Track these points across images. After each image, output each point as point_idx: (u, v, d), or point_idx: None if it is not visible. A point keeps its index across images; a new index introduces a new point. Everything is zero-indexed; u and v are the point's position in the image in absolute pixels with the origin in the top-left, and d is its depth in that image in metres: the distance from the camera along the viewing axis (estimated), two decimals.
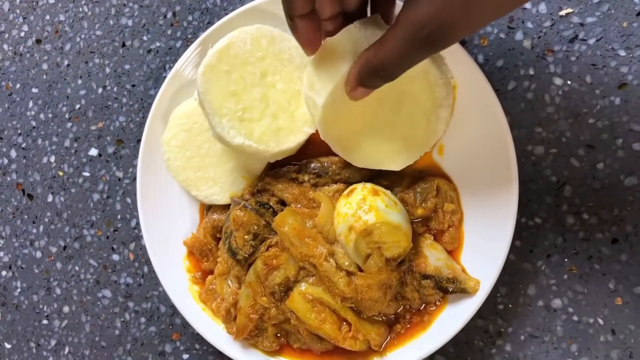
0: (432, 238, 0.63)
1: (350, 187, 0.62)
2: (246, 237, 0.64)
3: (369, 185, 0.61)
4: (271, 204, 0.65)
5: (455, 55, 0.60)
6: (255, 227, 0.63)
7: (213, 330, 0.68)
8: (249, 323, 0.64)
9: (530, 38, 0.66)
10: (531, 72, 0.66)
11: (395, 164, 0.62)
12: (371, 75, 0.48)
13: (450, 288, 0.60)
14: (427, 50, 0.43)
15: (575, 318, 0.64)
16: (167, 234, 0.72)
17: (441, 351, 0.68)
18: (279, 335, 0.66)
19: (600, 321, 0.63)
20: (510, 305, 0.66)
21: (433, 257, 0.61)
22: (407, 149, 0.61)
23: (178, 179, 0.70)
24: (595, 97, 0.63)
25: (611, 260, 0.63)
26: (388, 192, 0.61)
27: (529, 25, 0.66)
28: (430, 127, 0.60)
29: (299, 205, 0.64)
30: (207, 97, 0.61)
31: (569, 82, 0.64)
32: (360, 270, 0.59)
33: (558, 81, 0.65)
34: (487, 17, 0.39)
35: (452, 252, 0.63)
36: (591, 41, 0.64)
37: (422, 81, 0.57)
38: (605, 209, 0.63)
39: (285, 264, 0.62)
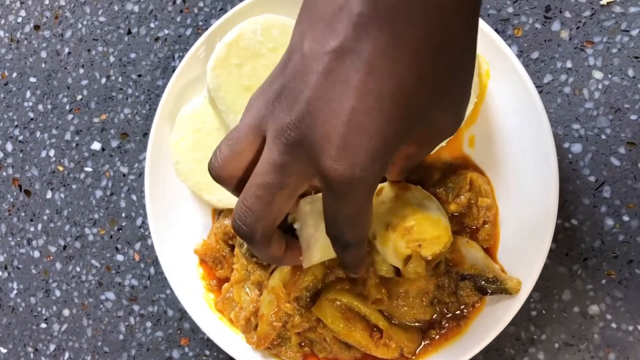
0: (468, 236, 0.59)
1: (378, 187, 0.58)
2: None
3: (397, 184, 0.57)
4: None
5: (489, 43, 0.57)
6: None
7: (231, 340, 0.64)
8: (271, 331, 0.59)
9: (568, 29, 0.62)
10: (569, 65, 0.62)
11: None
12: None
13: (490, 289, 0.57)
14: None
15: (613, 325, 0.61)
16: (178, 240, 0.67)
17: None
18: (302, 344, 0.62)
19: None
20: (543, 312, 0.63)
21: (471, 256, 0.57)
22: None
23: (188, 183, 0.65)
24: (638, 91, 0.60)
25: None
26: (419, 186, 0.57)
27: (567, 14, 0.62)
28: None
29: None
30: (219, 93, 0.57)
31: (609, 76, 0.61)
32: (398, 274, 0.55)
33: (598, 75, 0.61)
34: None
35: (488, 251, 0.59)
36: (634, 32, 0.60)
37: None
38: None
39: (314, 266, 0.57)
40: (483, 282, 0.57)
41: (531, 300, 0.63)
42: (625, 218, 0.60)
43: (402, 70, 0.30)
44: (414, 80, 0.31)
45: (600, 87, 0.61)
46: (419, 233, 0.53)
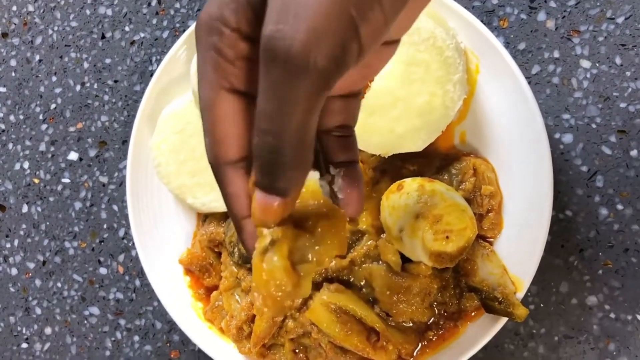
0: (492, 249, 0.57)
1: (396, 183, 0.55)
2: None
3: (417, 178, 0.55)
4: None
5: (477, 36, 0.55)
6: None
7: (223, 351, 0.62)
8: (272, 328, 0.57)
9: (554, 18, 0.61)
10: (556, 54, 0.61)
11: (416, 144, 0.56)
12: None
13: (495, 309, 0.55)
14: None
15: (612, 315, 0.60)
16: (164, 249, 0.65)
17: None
18: (297, 351, 0.60)
19: (639, 317, 0.60)
20: (541, 305, 0.62)
21: (486, 269, 0.56)
22: (426, 125, 0.55)
23: (171, 186, 0.63)
24: (626, 79, 0.59)
25: None
26: (438, 180, 0.55)
27: (552, 4, 0.61)
28: (447, 96, 0.54)
29: None
30: None
31: (597, 64, 0.60)
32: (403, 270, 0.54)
33: (585, 64, 0.61)
34: None
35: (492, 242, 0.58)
36: (620, 20, 0.60)
37: (430, 48, 0.53)
38: None
39: None
40: (489, 301, 0.55)
41: (529, 294, 0.62)
42: (620, 207, 0.60)
43: None
44: None
45: (588, 76, 0.60)
46: (447, 223, 0.50)
